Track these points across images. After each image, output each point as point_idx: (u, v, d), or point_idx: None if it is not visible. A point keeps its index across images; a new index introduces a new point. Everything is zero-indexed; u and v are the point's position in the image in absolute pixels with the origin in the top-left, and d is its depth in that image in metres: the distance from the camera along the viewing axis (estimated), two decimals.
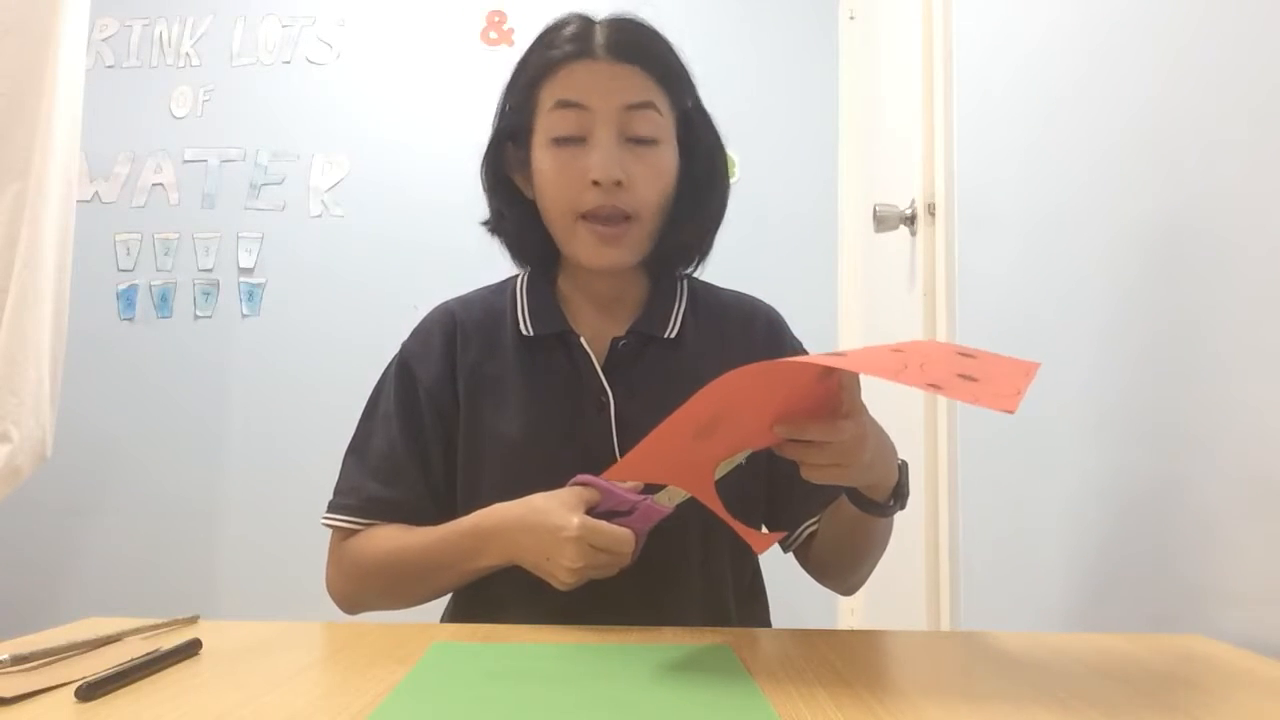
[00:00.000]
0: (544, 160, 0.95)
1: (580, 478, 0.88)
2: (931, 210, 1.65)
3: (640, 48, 0.96)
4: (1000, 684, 0.62)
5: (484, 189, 1.04)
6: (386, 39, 2.62)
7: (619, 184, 0.93)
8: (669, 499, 0.85)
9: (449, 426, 0.99)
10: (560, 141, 0.94)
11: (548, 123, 0.95)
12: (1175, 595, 0.90)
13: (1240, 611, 0.81)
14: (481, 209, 1.07)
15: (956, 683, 0.61)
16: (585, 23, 0.97)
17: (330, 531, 1.00)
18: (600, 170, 0.92)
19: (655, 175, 0.96)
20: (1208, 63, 0.90)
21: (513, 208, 1.02)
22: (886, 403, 1.97)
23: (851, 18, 2.41)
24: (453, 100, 2.58)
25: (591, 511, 0.84)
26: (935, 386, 0.65)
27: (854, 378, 0.79)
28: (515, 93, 1.00)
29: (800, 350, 1.09)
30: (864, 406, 0.79)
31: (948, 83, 1.61)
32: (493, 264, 1.10)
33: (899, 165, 1.89)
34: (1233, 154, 0.86)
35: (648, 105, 0.94)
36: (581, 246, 0.96)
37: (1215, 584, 0.85)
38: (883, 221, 1.77)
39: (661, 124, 0.96)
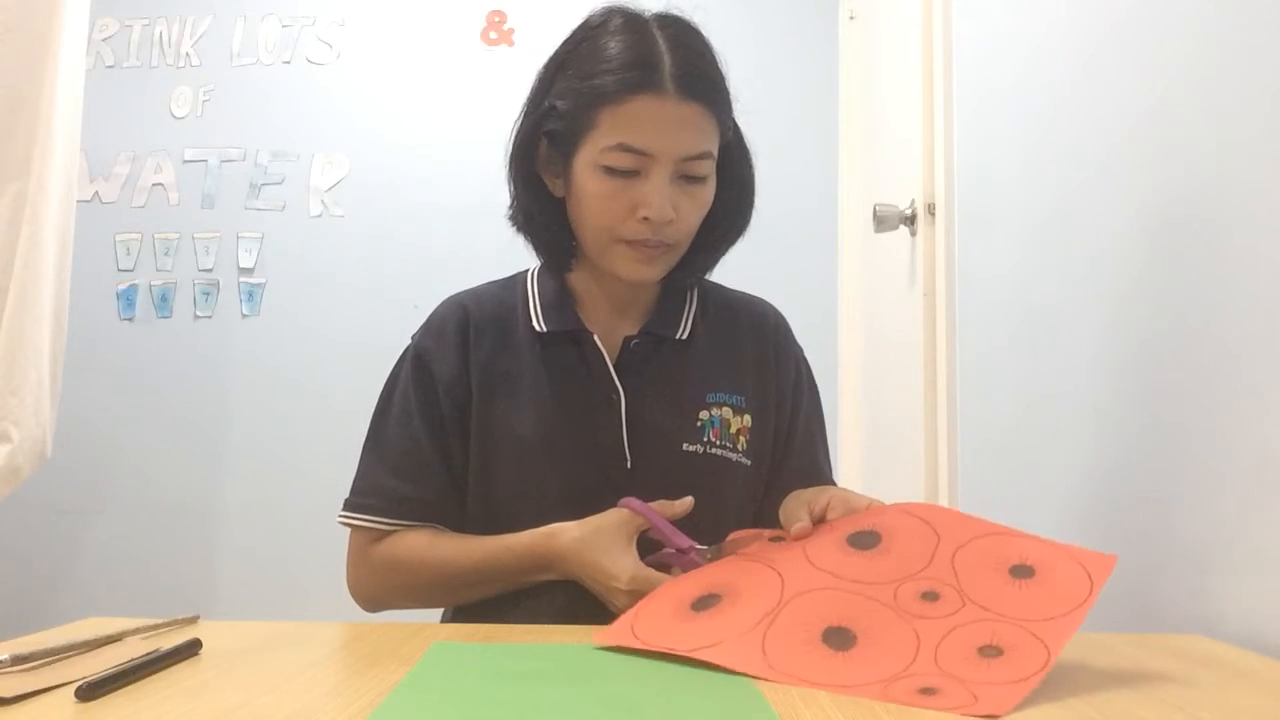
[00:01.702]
0: (592, 182, 0.93)
1: (629, 502, 0.89)
2: (931, 210, 1.65)
3: (705, 80, 0.93)
4: None
5: (512, 182, 1.01)
6: (386, 39, 2.62)
7: (669, 222, 0.93)
8: (708, 556, 0.86)
9: (465, 421, 0.99)
10: (614, 173, 0.92)
11: (604, 156, 0.91)
12: (1175, 595, 0.90)
13: (1240, 611, 0.81)
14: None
15: None
16: (645, 34, 0.93)
17: (349, 529, 1.00)
18: (656, 211, 0.91)
19: (697, 208, 0.96)
20: (1208, 62, 0.90)
21: (542, 206, 1.00)
22: (885, 398, 1.98)
23: (851, 18, 2.40)
24: (453, 100, 2.58)
25: (642, 537, 0.89)
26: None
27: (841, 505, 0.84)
28: (564, 95, 0.94)
29: (801, 357, 1.10)
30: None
31: (948, 83, 1.61)
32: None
33: (899, 165, 1.88)
34: (1234, 154, 0.86)
35: (705, 155, 0.93)
36: (619, 264, 0.96)
37: (1215, 584, 0.85)
38: (883, 221, 1.77)
39: (710, 165, 0.95)
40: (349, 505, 0.99)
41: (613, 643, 0.71)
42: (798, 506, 0.87)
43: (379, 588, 0.99)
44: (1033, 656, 0.61)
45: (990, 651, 0.62)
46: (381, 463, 0.99)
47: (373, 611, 1.00)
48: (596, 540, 0.88)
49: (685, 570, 0.85)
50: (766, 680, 0.63)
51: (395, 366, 1.04)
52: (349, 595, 1.01)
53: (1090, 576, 0.68)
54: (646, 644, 0.70)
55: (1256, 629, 0.79)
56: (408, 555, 0.96)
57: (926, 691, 0.59)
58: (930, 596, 0.69)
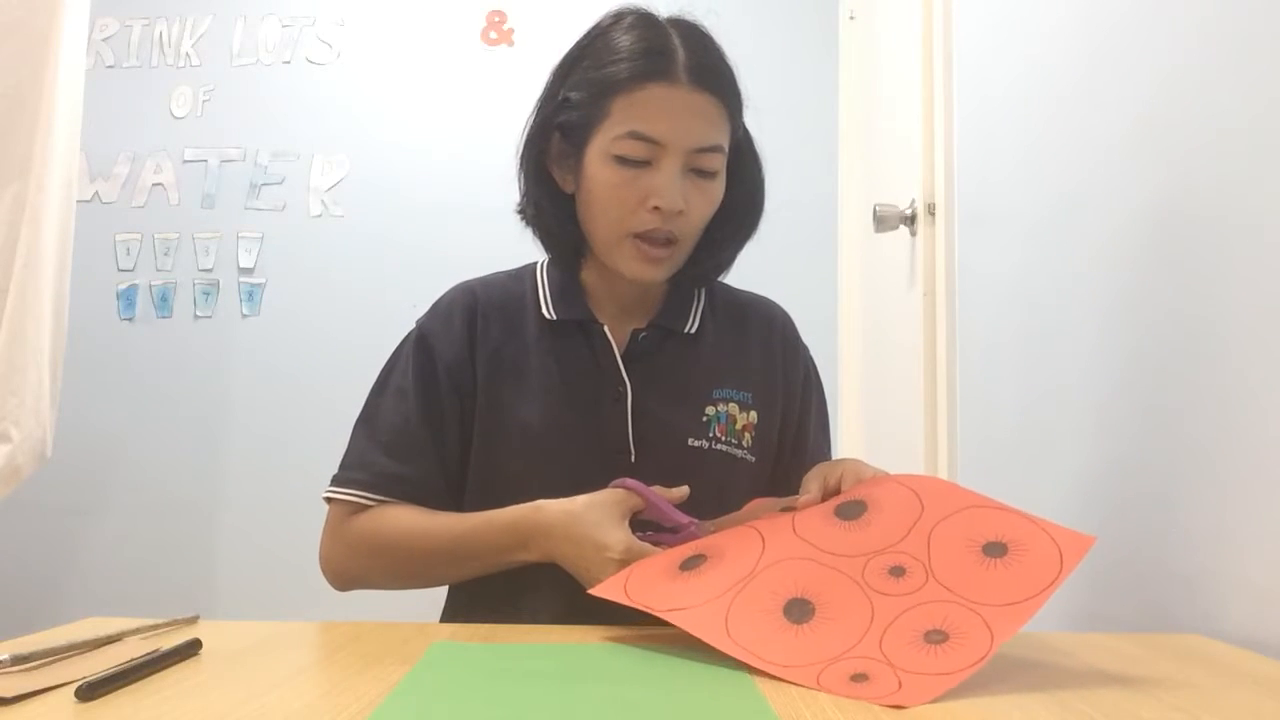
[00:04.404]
0: (603, 173, 0.93)
1: (625, 482, 0.88)
2: (931, 210, 1.65)
3: (718, 73, 0.94)
4: (1000, 684, 0.62)
5: (523, 175, 1.01)
6: (386, 39, 2.62)
7: (679, 213, 0.93)
8: (710, 530, 0.86)
9: (465, 405, 0.99)
10: (625, 162, 0.93)
11: (616, 145, 0.92)
12: (1175, 594, 0.90)
13: (1240, 611, 0.81)
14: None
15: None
16: (658, 29, 0.94)
17: (328, 503, 0.98)
18: (667, 200, 0.92)
19: (707, 204, 0.96)
20: (1208, 62, 0.90)
21: (554, 202, 1.00)
22: (885, 398, 1.97)
23: (851, 18, 2.40)
24: (453, 100, 2.58)
25: (634, 518, 0.86)
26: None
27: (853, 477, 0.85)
28: (578, 87, 0.95)
29: (808, 356, 1.10)
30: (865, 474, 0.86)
31: (948, 83, 1.61)
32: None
33: (899, 165, 1.88)
34: (1234, 154, 0.86)
35: (716, 149, 0.94)
36: (625, 260, 0.96)
37: (1215, 583, 0.85)
38: (883, 221, 1.77)
39: (721, 160, 0.96)
40: (335, 479, 0.98)
41: (605, 595, 0.76)
42: (813, 478, 0.88)
43: (353, 560, 0.97)
44: (975, 646, 0.62)
45: (936, 637, 0.63)
46: (371, 439, 0.99)
47: (343, 589, 0.98)
48: (589, 514, 0.86)
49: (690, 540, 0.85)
50: (722, 651, 0.66)
51: (398, 347, 1.03)
52: (350, 592, 0.99)
53: (1062, 558, 0.67)
54: (633, 600, 0.73)
55: (1256, 629, 0.79)
56: (386, 528, 0.95)
57: (858, 678, 0.60)
58: (897, 572, 0.70)
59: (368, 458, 0.98)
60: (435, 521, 0.94)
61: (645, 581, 0.77)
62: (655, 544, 0.85)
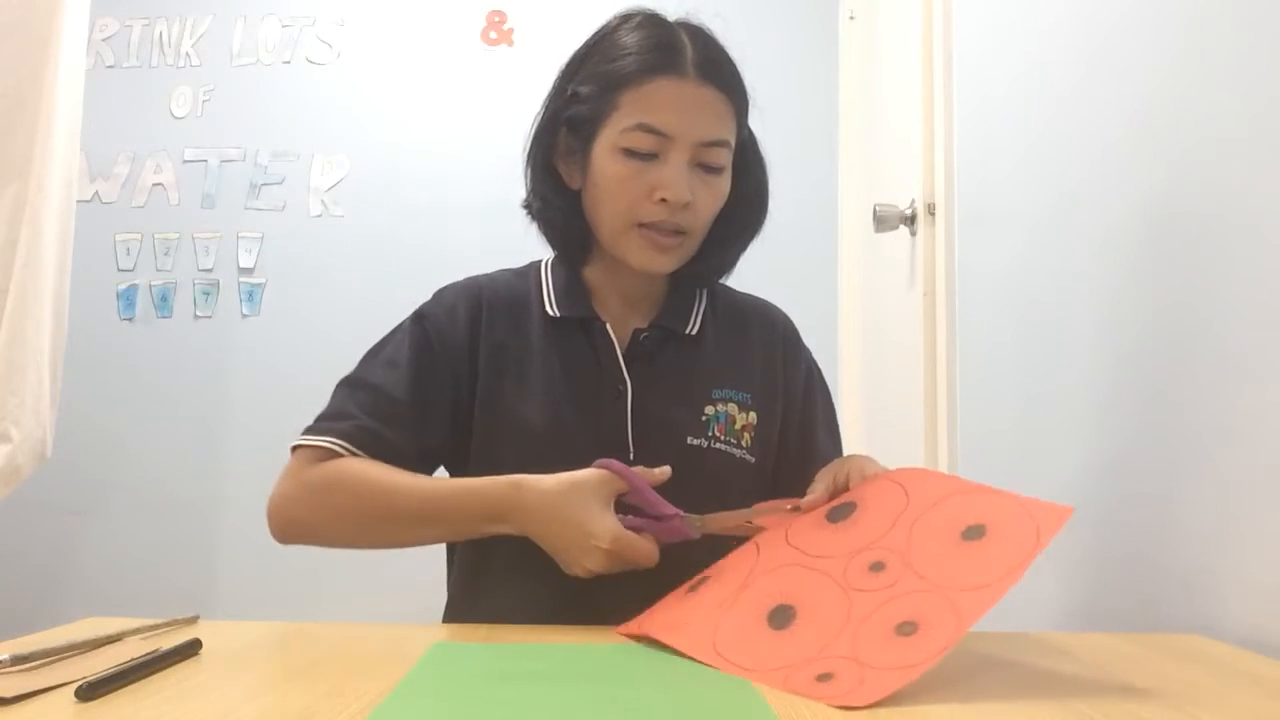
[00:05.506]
0: (611, 166, 0.94)
1: (608, 463, 0.86)
2: (931, 210, 1.65)
3: (725, 70, 0.96)
4: (1000, 684, 0.62)
5: (529, 171, 1.02)
6: (386, 39, 2.62)
7: (686, 205, 0.94)
8: (699, 524, 0.86)
9: (459, 394, 0.98)
10: (633, 155, 0.93)
11: (624, 138, 0.93)
12: (1174, 593, 0.90)
13: (1240, 610, 0.81)
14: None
15: (956, 682, 0.61)
16: (667, 26, 0.96)
17: (294, 452, 0.95)
18: (673, 192, 0.92)
19: (714, 198, 0.97)
20: (1206, 62, 0.90)
21: (560, 197, 1.00)
22: (885, 398, 1.97)
23: (851, 18, 2.40)
24: (453, 100, 2.58)
25: (617, 501, 0.86)
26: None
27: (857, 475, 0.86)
28: (586, 82, 0.96)
29: (811, 359, 1.10)
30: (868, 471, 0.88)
31: (948, 83, 1.61)
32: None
33: (899, 165, 1.88)
34: (1232, 153, 0.86)
35: (722, 143, 0.95)
36: (634, 251, 0.97)
37: (1214, 582, 0.85)
38: (883, 221, 1.77)
39: (727, 155, 0.97)
40: (307, 429, 0.95)
41: (626, 632, 0.77)
42: (820, 477, 0.89)
43: (308, 506, 0.92)
44: (942, 634, 0.61)
45: (906, 629, 0.63)
46: (353, 398, 0.97)
47: (286, 541, 0.93)
48: (574, 497, 0.85)
49: (665, 538, 0.85)
50: (708, 665, 0.66)
51: (395, 326, 1.02)
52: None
53: (1039, 532, 0.67)
54: (642, 629, 0.75)
55: (1256, 628, 0.79)
56: (352, 475, 0.91)
57: (823, 678, 0.60)
58: (877, 567, 0.71)
59: (346, 410, 0.96)
60: (406, 479, 0.91)
61: (659, 613, 0.78)
62: (637, 529, 0.84)
